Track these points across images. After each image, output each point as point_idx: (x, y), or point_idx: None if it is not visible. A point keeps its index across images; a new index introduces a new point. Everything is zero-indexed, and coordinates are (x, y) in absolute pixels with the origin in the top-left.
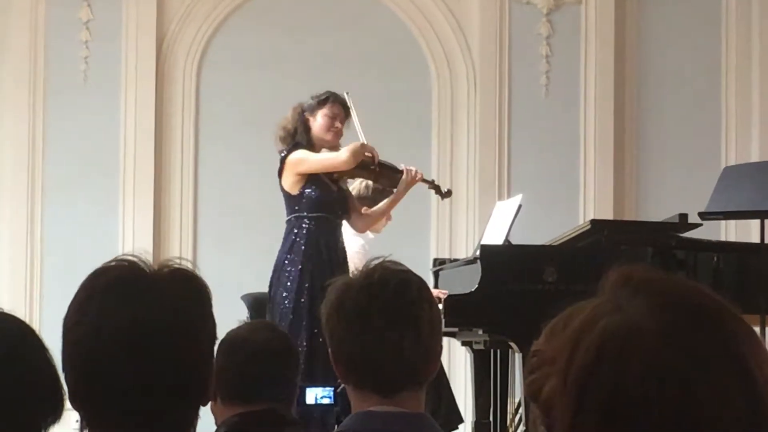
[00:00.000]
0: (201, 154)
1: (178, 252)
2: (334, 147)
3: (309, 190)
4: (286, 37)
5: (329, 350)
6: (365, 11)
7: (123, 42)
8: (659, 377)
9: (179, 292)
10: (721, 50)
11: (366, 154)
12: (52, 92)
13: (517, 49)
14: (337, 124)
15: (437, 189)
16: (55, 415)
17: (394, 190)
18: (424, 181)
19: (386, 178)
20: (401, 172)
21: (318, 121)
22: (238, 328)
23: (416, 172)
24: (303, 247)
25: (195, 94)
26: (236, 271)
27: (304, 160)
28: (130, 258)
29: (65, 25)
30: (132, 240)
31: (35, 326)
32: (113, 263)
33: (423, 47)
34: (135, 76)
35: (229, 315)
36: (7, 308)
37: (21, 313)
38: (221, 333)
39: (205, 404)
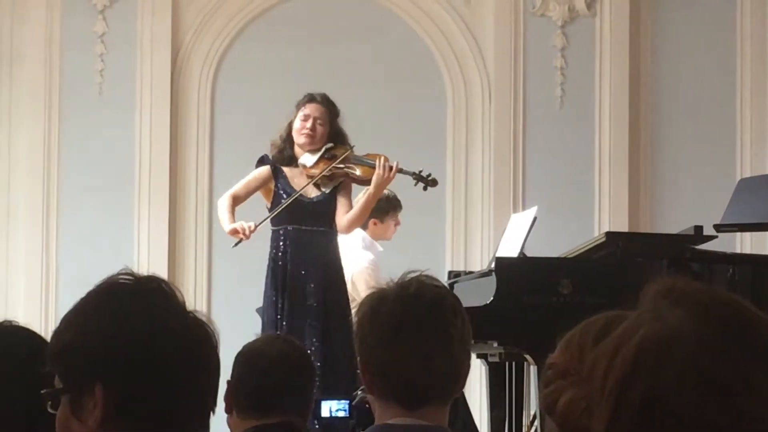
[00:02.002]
0: (216, 166)
1: (193, 263)
2: (313, 150)
3: (273, 202)
4: (301, 49)
5: (358, 359)
6: (380, 23)
7: (138, 55)
8: (697, 385)
9: (177, 299)
10: (736, 61)
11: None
12: (67, 105)
13: (531, 61)
14: (307, 125)
15: (421, 179)
16: None
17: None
18: (404, 172)
19: (355, 178)
20: (372, 166)
21: (294, 127)
22: (254, 340)
23: (390, 169)
24: (271, 262)
25: (210, 106)
26: (252, 283)
27: None
28: (128, 271)
29: (80, 38)
30: (147, 252)
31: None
32: (114, 278)
33: (438, 59)
34: (150, 88)
35: (244, 328)
36: (23, 321)
37: (36, 327)
38: (238, 346)
39: (212, 409)
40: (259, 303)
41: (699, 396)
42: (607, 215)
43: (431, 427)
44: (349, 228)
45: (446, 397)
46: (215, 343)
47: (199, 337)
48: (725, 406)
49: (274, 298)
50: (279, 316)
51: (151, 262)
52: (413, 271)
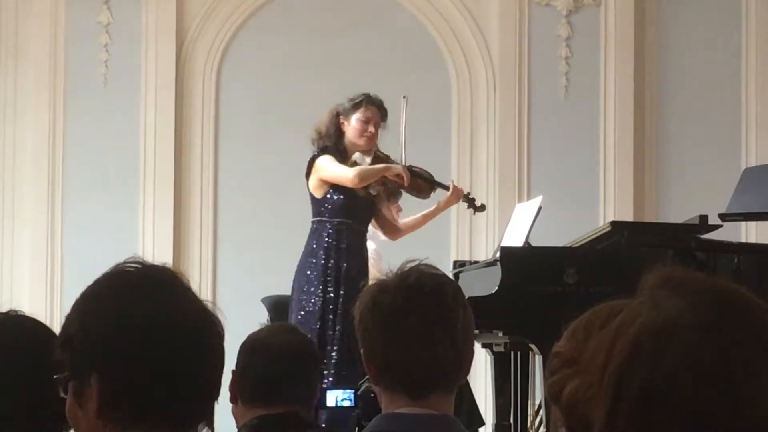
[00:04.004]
0: (221, 156)
1: (198, 254)
2: (368, 152)
3: (334, 196)
4: (306, 39)
5: (361, 351)
6: (385, 13)
7: (143, 45)
8: (695, 372)
9: (184, 288)
10: (741, 51)
11: (391, 177)
12: (72, 96)
13: (536, 51)
14: (371, 129)
15: (471, 203)
16: None
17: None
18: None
19: (423, 192)
20: (441, 187)
21: (352, 125)
22: (259, 330)
23: (461, 192)
24: (323, 253)
25: (215, 97)
26: (256, 273)
27: (323, 167)
28: (138, 259)
29: (85, 29)
30: (152, 243)
31: (56, 329)
32: (121, 266)
33: (442, 49)
34: (155, 79)
35: (249, 317)
36: (28, 312)
37: (41, 317)
38: (242, 336)
39: (216, 398)
40: (264, 293)
41: (697, 384)
42: (612, 204)
43: (437, 415)
44: (401, 235)
45: (451, 385)
46: (221, 333)
47: (204, 327)
48: (724, 393)
49: (321, 291)
50: (332, 316)
51: (156, 253)
52: (412, 261)
